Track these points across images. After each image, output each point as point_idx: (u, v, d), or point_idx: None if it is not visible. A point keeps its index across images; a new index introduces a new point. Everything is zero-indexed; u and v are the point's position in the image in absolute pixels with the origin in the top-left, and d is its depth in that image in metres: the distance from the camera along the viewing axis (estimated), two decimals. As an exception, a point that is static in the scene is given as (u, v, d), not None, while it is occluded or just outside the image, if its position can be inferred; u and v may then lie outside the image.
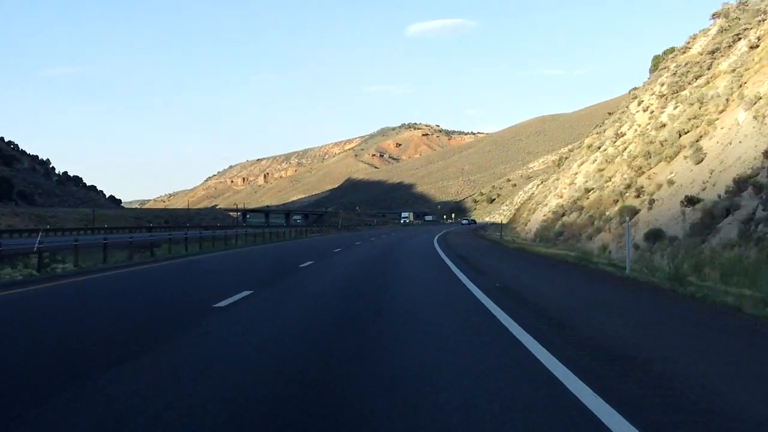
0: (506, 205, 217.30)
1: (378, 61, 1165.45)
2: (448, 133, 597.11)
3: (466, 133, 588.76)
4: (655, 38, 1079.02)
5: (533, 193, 76.68)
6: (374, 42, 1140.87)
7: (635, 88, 60.39)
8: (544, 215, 32.96)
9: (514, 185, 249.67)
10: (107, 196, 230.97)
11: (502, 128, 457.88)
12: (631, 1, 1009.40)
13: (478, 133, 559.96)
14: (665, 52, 62.60)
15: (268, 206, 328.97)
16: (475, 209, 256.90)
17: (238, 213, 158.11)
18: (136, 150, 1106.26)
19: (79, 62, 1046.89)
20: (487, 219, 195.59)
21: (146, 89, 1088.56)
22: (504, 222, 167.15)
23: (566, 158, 71.24)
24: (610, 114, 68.77)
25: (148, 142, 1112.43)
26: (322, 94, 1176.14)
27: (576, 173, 34.79)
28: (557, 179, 39.19)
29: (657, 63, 62.29)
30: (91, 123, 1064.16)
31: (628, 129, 34.77)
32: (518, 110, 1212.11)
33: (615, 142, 31.26)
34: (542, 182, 76.07)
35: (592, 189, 28.00)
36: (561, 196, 33.30)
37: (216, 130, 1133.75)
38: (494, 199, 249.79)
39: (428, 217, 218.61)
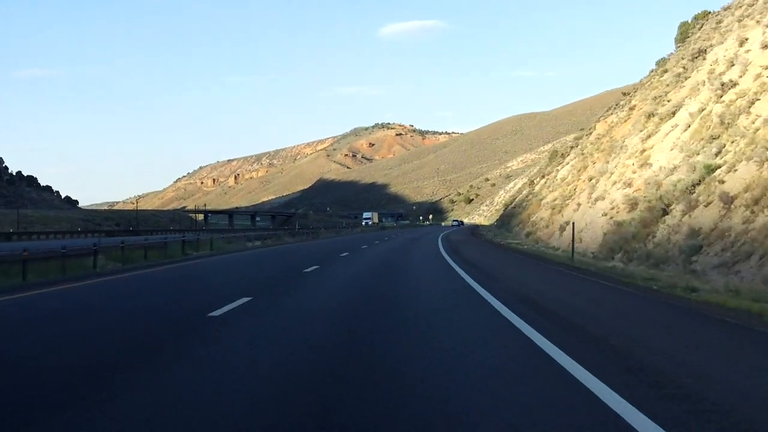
0: (486, 205, 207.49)
1: (351, 63, 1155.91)
2: (422, 133, 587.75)
3: (441, 133, 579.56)
4: (624, 40, 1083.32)
5: (532, 190, 65.59)
6: (348, 43, 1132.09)
7: (663, 60, 49.88)
8: (606, 214, 21.96)
9: (493, 185, 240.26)
10: (63, 198, 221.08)
11: (477, 127, 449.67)
12: (603, 5, 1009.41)
13: (453, 132, 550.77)
14: (696, 17, 52.88)
15: (237, 207, 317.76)
16: (452, 210, 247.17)
17: (195, 214, 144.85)
18: (105, 151, 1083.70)
19: (45, 64, 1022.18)
20: (465, 220, 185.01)
21: (114, 90, 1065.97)
22: (487, 223, 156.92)
23: (573, 147, 60.31)
24: (625, 94, 58.05)
25: (117, 143, 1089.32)
26: (294, 95, 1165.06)
27: (643, 150, 24.13)
28: (606, 163, 27.46)
29: (685, 30, 52.35)
30: (59, 124, 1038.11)
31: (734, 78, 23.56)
32: (490, 112, 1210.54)
33: (721, 96, 20.64)
34: (543, 176, 64.92)
35: (720, 165, 16.67)
36: (629, 185, 22.49)
37: (186, 130, 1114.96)
38: (472, 199, 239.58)
39: (402, 221, 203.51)
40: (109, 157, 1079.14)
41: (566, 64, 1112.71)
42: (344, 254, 27.58)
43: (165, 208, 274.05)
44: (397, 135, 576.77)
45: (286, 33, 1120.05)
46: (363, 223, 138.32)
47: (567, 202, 31.21)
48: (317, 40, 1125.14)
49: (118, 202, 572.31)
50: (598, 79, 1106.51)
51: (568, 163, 52.27)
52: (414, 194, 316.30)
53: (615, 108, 56.70)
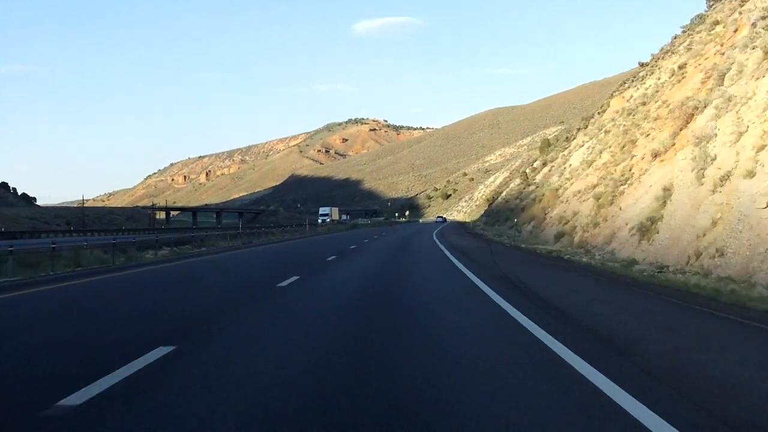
0: (465, 201, 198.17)
1: (325, 60, 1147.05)
2: (397, 128, 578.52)
3: (415, 129, 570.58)
4: (595, 40, 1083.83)
5: (531, 181, 56.29)
6: (321, 40, 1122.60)
7: (702, 15, 40.64)
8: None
9: (472, 179, 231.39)
10: (20, 195, 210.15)
11: (453, 122, 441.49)
12: (578, 3, 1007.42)
13: (428, 128, 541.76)
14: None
15: (207, 204, 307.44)
16: (429, 206, 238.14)
17: (153, 211, 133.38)
18: (75, 149, 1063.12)
19: (9, 61, 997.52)
20: (445, 216, 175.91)
21: (83, 87, 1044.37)
22: (469, 220, 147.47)
23: (581, 129, 51.35)
24: (644, 64, 49.12)
25: (87, 141, 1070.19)
26: (267, 92, 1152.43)
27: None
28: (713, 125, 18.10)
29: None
30: (25, 122, 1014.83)
31: None
32: (464, 109, 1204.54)
33: None
34: (545, 164, 55.42)
35: None
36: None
37: (158, 127, 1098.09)
38: (450, 194, 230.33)
39: (377, 218, 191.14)
40: (80, 154, 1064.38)
41: (538, 61, 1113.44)
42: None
43: (122, 206, 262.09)
44: (371, 130, 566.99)
45: (259, 30, 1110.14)
46: (319, 221, 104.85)
47: (621, 189, 21.72)
48: (291, 37, 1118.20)
49: (88, 200, 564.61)
50: (571, 75, 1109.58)
51: (581, 146, 42.90)
52: (389, 190, 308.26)
53: (633, 81, 47.63)
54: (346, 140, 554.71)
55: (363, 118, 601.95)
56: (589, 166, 32.08)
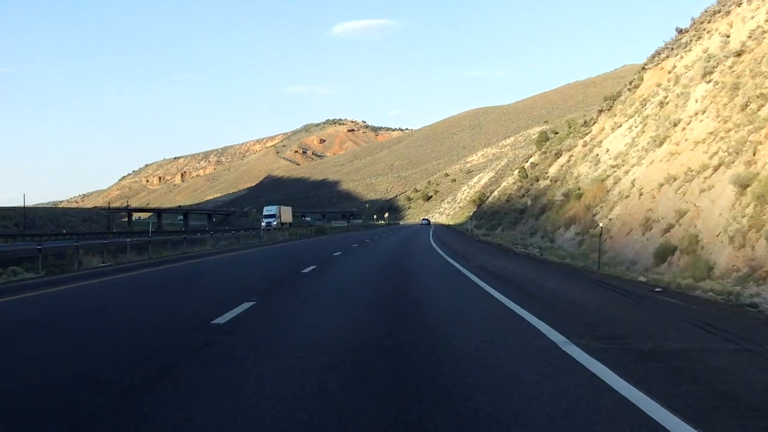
0: (448, 202, 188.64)
1: (303, 61, 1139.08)
2: (375, 129, 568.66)
3: (394, 129, 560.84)
4: (570, 41, 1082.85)
5: (541, 175, 46.75)
6: (299, 42, 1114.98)
7: None
8: None
9: (454, 180, 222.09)
10: None
11: (433, 122, 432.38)
12: (554, 5, 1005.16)
13: (407, 129, 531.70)
14: None
15: (180, 206, 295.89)
16: (409, 207, 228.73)
17: (110, 212, 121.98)
18: (48, 150, 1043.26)
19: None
20: (422, 219, 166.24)
21: (59, 87, 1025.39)
22: (452, 222, 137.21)
23: (603, 111, 42.38)
24: (683, 30, 40.18)
25: (62, 141, 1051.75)
26: (245, 93, 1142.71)
27: None
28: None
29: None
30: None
31: None
32: (442, 111, 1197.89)
33: None
34: (557, 155, 45.34)
35: None
36: None
37: (134, 128, 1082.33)
38: (431, 196, 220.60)
39: (355, 220, 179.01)
40: (54, 155, 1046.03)
41: (514, 63, 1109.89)
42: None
43: (112, 206, 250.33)
44: (349, 131, 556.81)
45: (238, 31, 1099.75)
46: (263, 225, 79.16)
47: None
48: (269, 39, 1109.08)
49: (62, 201, 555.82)
50: (550, 76, 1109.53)
51: (615, 127, 33.30)
52: (367, 191, 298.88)
53: (673, 50, 38.27)
54: (324, 141, 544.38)
55: (341, 119, 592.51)
56: (656, 145, 22.28)
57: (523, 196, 47.18)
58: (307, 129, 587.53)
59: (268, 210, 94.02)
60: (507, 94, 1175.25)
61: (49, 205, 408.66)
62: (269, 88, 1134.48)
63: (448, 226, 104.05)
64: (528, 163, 69.97)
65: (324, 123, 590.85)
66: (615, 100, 41.66)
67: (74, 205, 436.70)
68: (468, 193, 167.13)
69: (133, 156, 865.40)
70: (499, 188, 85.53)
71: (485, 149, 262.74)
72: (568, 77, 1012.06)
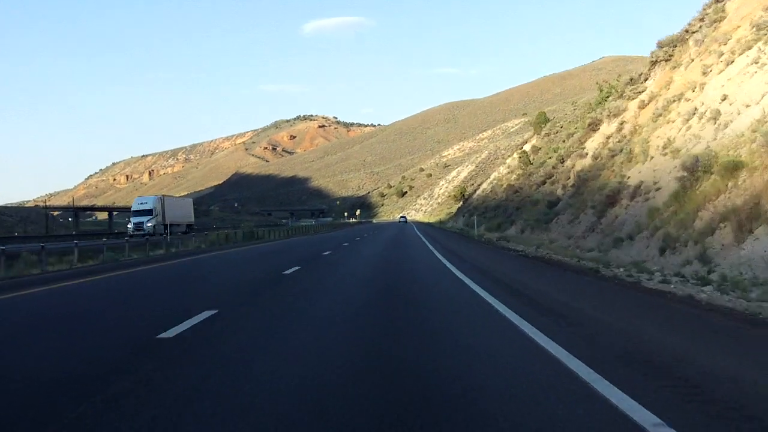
0: (424, 198, 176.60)
1: (275, 60, 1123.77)
2: (347, 125, 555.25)
3: (366, 125, 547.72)
4: (543, 40, 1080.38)
5: (581, 151, 34.79)
6: (271, 40, 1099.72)
7: None
8: None
9: (430, 175, 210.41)
10: None
11: (405, 117, 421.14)
12: (527, 3, 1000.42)
13: (380, 125, 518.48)
14: None
15: (129, 206, 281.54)
16: (382, 204, 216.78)
17: (46, 211, 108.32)
18: (15, 149, 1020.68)
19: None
20: (398, 216, 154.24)
21: (21, 86, 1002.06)
22: (432, 220, 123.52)
23: (656, 62, 30.41)
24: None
25: (29, 141, 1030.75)
26: (214, 92, 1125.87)
27: None
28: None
29: None
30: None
31: None
32: (415, 109, 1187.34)
33: None
34: (608, 139, 32.74)
35: None
36: None
37: (102, 126, 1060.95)
38: (406, 192, 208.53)
39: (324, 218, 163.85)
40: (21, 155, 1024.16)
41: (488, 61, 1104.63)
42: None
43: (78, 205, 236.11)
44: (320, 127, 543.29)
45: (209, 30, 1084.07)
46: (129, 228, 54.88)
47: None
48: (240, 38, 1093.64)
49: (28, 201, 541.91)
50: (523, 74, 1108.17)
51: (705, 71, 21.53)
52: (339, 188, 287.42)
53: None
54: (294, 137, 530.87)
55: (312, 115, 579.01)
56: None
57: (545, 182, 35.06)
58: (277, 125, 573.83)
59: (139, 203, 57.88)
60: (481, 90, 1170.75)
61: (16, 205, 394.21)
62: (241, 86, 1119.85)
63: (431, 224, 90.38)
64: (528, 147, 58.11)
65: (294, 119, 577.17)
66: (674, 47, 29.78)
67: (41, 205, 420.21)
68: (446, 188, 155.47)
69: (101, 154, 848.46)
70: (489, 180, 73.63)
71: (461, 143, 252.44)
72: (543, 72, 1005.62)
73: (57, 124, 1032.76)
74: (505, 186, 53.09)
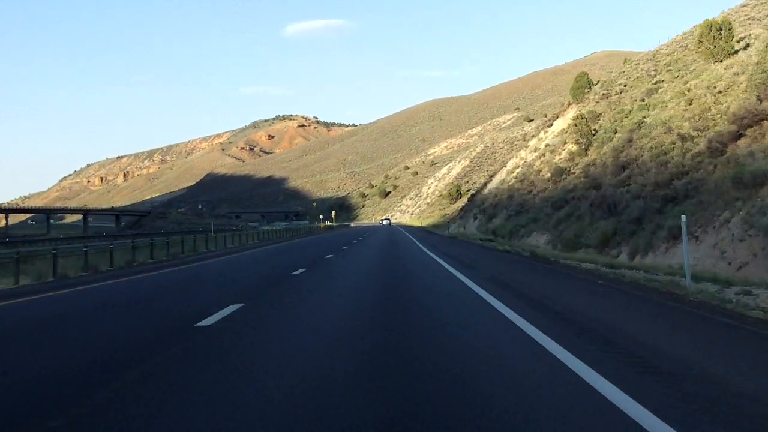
0: (411, 198, 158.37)
1: (256, 62, 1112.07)
2: (328, 125, 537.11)
3: (347, 125, 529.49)
4: (523, 42, 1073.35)
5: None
6: (252, 43, 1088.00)
7: None
8: None
9: (416, 173, 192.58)
10: None
11: (388, 114, 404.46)
12: (512, 6, 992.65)
13: (361, 124, 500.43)
14: None
15: (100, 207, 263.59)
16: (363, 206, 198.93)
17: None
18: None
19: None
20: (380, 219, 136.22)
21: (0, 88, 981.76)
22: (422, 223, 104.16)
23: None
24: None
25: (2, 142, 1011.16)
26: (193, 93, 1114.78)
27: None
28: None
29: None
30: None
31: None
32: (397, 108, 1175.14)
33: None
34: None
35: None
36: None
37: (77, 127, 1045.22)
38: (390, 191, 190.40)
39: (300, 222, 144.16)
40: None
41: (472, 63, 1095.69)
42: None
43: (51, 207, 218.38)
44: (299, 126, 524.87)
45: (189, 32, 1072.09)
46: None
47: None
48: (221, 40, 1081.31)
49: (2, 204, 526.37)
50: (508, 74, 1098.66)
51: None
52: (317, 189, 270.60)
53: None
54: (273, 137, 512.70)
55: (291, 115, 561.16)
56: None
57: (657, 168, 17.05)
58: (256, 125, 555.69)
59: None
60: (466, 89, 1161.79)
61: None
62: (221, 88, 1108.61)
63: (425, 229, 70.36)
64: (570, 118, 39.96)
65: (273, 119, 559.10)
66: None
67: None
68: (437, 186, 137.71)
69: (76, 156, 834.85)
70: (503, 174, 55.42)
71: (449, 140, 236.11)
72: (531, 69, 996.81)
73: (30, 127, 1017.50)
74: (549, 173, 34.85)
